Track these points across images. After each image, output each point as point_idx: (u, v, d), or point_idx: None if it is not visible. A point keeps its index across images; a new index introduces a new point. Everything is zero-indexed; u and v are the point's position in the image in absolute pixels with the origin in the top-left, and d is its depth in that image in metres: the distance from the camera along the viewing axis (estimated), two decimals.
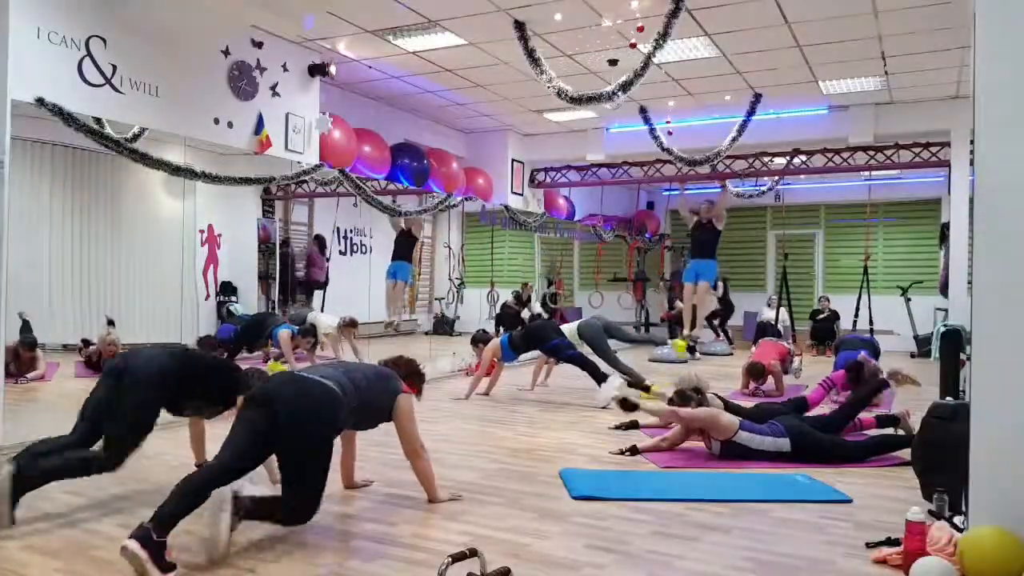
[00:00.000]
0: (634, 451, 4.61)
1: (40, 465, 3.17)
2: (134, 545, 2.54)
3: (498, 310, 11.59)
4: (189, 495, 2.76)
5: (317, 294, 9.41)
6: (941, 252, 10.64)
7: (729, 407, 5.05)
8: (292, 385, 3.12)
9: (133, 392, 3.33)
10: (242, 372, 3.84)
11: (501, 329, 10.50)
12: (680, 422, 4.66)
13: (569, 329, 7.33)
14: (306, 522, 3.03)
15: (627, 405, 5.25)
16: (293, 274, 9.25)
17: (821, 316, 12.01)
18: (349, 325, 8.09)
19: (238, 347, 7.84)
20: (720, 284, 12.08)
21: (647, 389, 6.84)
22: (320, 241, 9.50)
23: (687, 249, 11.83)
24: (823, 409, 5.43)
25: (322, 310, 8.98)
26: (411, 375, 3.66)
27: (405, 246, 9.96)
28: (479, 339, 7.36)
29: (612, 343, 7.63)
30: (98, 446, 3.34)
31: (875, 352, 7.13)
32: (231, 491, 2.78)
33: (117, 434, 3.31)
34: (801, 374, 8.26)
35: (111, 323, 6.89)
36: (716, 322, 12.10)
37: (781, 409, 5.10)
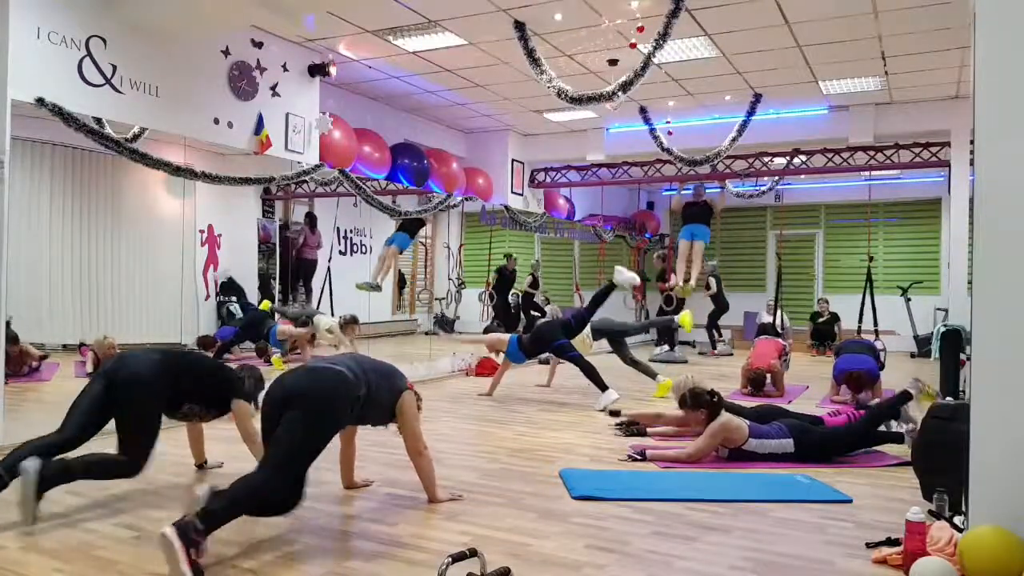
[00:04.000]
0: (641, 456, 4.52)
1: (65, 463, 3.19)
2: (171, 533, 2.48)
3: (520, 301, 11.64)
4: (243, 500, 2.76)
5: (315, 294, 9.38)
6: (945, 267, 10.58)
7: (730, 408, 5.03)
8: (305, 373, 3.15)
9: (129, 397, 3.34)
10: (236, 374, 3.83)
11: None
12: (696, 460, 4.45)
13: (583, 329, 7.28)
14: (262, 493, 2.84)
15: (628, 430, 5.26)
16: (293, 262, 9.21)
17: (821, 319, 11.99)
18: (351, 323, 8.12)
19: (236, 343, 7.85)
20: (712, 280, 12.07)
21: (654, 376, 6.97)
22: (311, 219, 9.43)
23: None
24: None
25: (331, 313, 8.96)
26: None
27: (410, 223, 9.85)
28: (493, 331, 7.35)
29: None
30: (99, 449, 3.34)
31: (875, 355, 7.13)
32: (175, 525, 2.53)
33: (129, 440, 3.33)
34: (787, 368, 8.11)
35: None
36: (715, 331, 12.09)
37: (783, 411, 5.07)
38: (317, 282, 9.32)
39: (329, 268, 9.23)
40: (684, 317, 7.67)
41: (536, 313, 11.27)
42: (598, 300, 6.98)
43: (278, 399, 3.03)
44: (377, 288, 9.39)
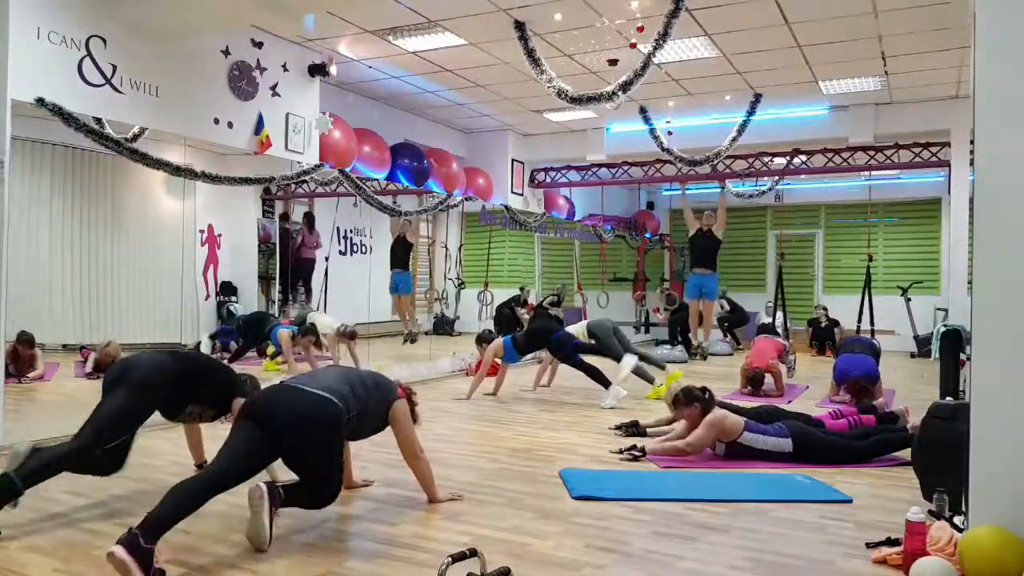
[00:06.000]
0: (641, 453, 4.49)
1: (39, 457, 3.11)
2: (121, 552, 2.44)
3: (535, 307, 11.85)
4: (184, 501, 2.72)
5: (315, 293, 9.37)
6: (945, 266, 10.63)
7: (729, 408, 5.01)
8: (292, 400, 3.08)
9: (128, 392, 3.31)
10: (238, 377, 3.83)
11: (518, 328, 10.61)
12: (695, 449, 4.48)
13: (578, 328, 7.20)
14: (329, 504, 3.16)
15: (629, 431, 5.25)
16: (294, 255, 9.17)
17: (821, 326, 11.96)
18: (345, 335, 7.88)
19: (245, 349, 7.83)
20: (723, 302, 12.18)
21: (660, 370, 6.94)
22: (309, 219, 9.35)
23: (687, 249, 11.88)
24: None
25: (326, 310, 8.95)
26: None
27: (402, 254, 9.96)
28: (483, 339, 7.32)
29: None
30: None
31: (875, 354, 7.12)
32: (266, 484, 2.92)
33: (94, 423, 3.24)
34: (795, 373, 8.17)
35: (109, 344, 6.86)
36: (727, 326, 12.28)
37: (785, 412, 5.06)
38: (316, 282, 9.31)
39: (327, 269, 9.23)
40: (672, 377, 7.15)
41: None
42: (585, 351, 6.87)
43: (265, 422, 2.99)
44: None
